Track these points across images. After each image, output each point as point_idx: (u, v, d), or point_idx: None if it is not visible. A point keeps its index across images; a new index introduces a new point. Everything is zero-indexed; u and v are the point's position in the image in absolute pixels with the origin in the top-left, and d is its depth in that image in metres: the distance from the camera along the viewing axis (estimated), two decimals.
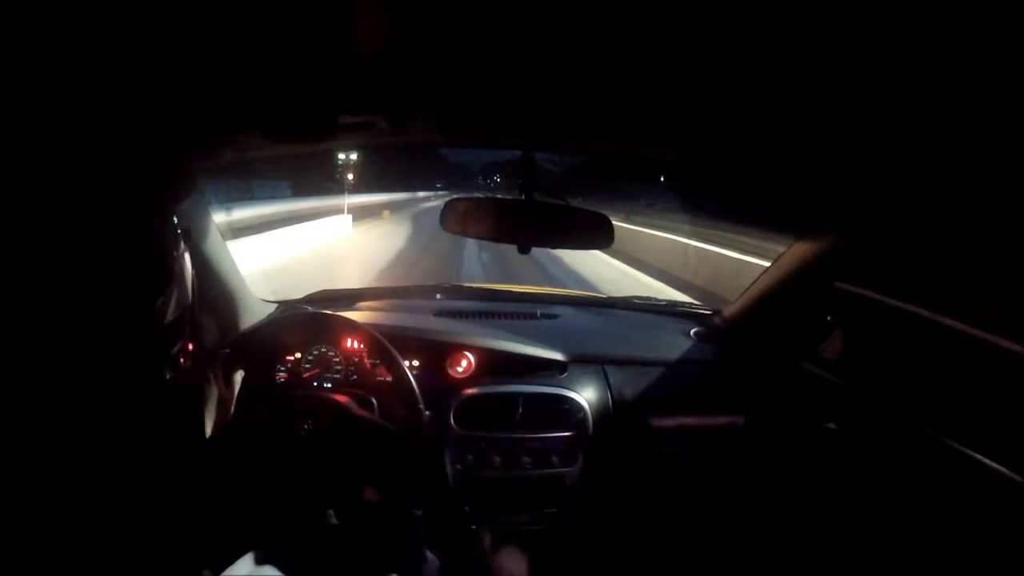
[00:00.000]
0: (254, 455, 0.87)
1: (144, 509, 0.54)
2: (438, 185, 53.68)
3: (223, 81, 0.57)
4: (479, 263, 7.58)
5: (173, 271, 0.51)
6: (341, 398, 0.90)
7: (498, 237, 0.90)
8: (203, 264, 0.96)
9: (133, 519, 0.52)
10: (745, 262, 5.35)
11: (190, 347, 0.93)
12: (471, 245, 8.58)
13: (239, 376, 1.00)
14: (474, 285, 1.53)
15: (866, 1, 0.36)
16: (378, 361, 1.02)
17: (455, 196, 0.95)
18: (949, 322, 0.94)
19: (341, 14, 0.43)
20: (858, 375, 1.01)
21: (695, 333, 1.28)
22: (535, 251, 0.91)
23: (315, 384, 1.04)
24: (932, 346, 0.96)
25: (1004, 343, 0.84)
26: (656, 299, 1.49)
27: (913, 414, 0.89)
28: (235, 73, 0.55)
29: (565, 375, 1.12)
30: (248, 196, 14.64)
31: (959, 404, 0.85)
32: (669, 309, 1.45)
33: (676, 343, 1.25)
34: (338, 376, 1.05)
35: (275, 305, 1.24)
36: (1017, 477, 0.72)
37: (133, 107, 0.54)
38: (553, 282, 6.17)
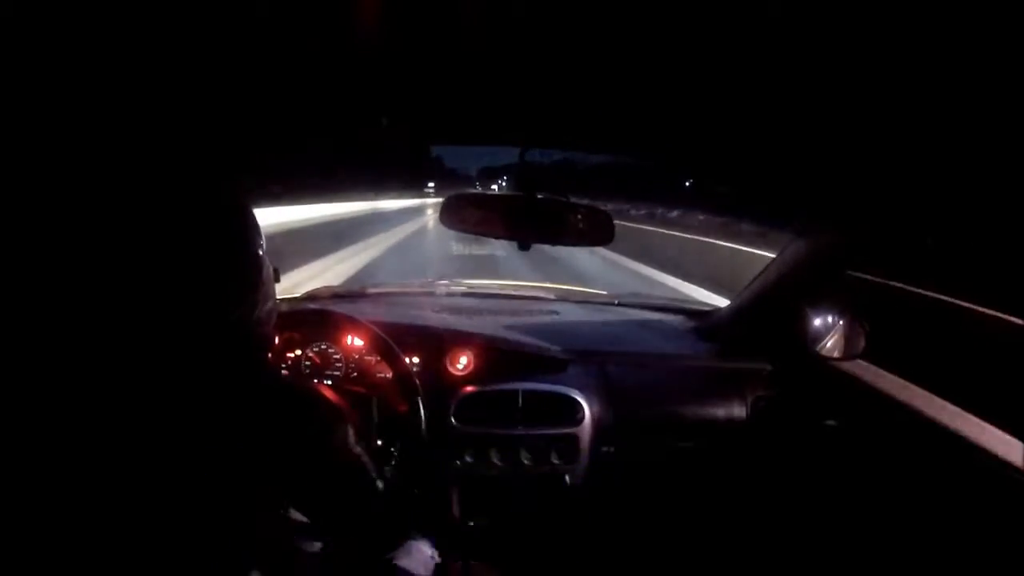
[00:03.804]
0: (254, 450, 1.02)
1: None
2: (429, 186, 50.24)
3: (223, 76, 0.66)
4: None
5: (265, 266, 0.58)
6: (341, 396, 1.06)
7: (498, 233, 1.05)
8: None
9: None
10: None
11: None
12: None
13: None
14: (474, 282, 1.72)
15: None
16: (379, 357, 1.15)
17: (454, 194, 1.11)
18: (948, 317, 1.10)
19: (338, 9, 0.51)
20: (858, 371, 1.17)
21: (695, 330, 1.45)
22: None
23: (316, 381, 1.19)
24: (932, 341, 1.12)
25: (1008, 339, 0.99)
26: (656, 296, 1.68)
27: (914, 410, 1.04)
28: (232, 67, 0.63)
29: (565, 372, 1.26)
30: None
31: (960, 400, 1.00)
32: (669, 306, 1.64)
33: (676, 340, 1.42)
34: (339, 373, 1.20)
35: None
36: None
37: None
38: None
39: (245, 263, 0.56)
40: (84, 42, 0.52)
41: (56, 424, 0.47)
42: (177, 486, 0.52)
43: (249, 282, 0.56)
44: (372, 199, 23.11)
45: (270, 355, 1.18)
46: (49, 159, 0.46)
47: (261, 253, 0.58)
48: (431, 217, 19.48)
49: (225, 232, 0.54)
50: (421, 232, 14.51)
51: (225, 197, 0.54)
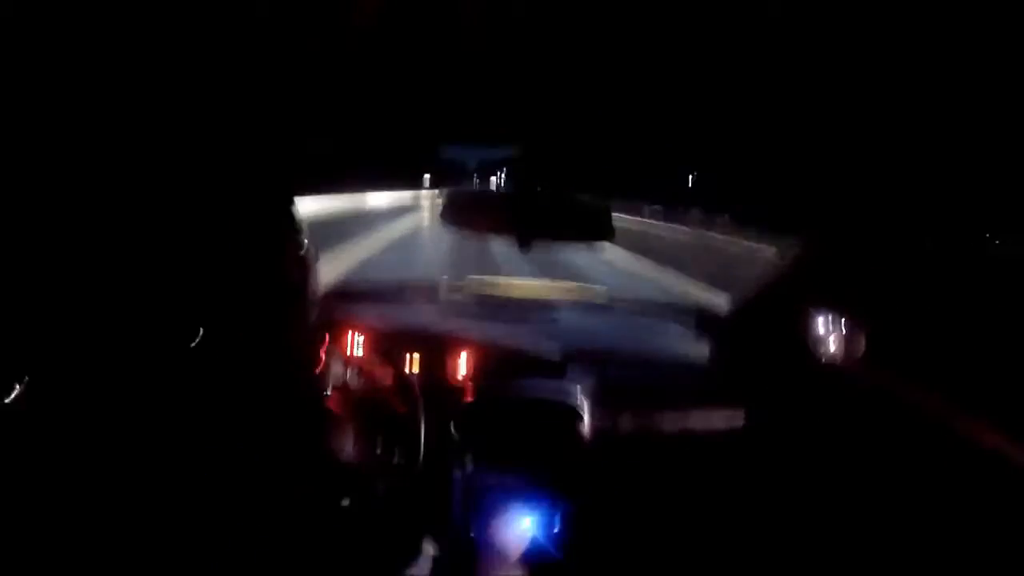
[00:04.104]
0: (255, 455, 1.03)
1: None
2: (425, 178, 50.48)
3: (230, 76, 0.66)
4: None
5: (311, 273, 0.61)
6: (341, 399, 1.07)
7: (499, 230, 1.08)
8: None
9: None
10: None
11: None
12: None
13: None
14: (474, 284, 1.74)
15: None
16: (379, 360, 1.17)
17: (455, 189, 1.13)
18: (948, 317, 1.11)
19: (338, 9, 0.54)
20: (859, 371, 1.19)
21: (696, 332, 1.47)
22: None
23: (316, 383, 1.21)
24: (932, 341, 1.13)
25: (1008, 339, 1.01)
26: (657, 299, 1.71)
27: (914, 411, 1.06)
28: (235, 68, 0.63)
29: (565, 374, 1.28)
30: None
31: (960, 401, 1.02)
32: (670, 308, 1.66)
33: (678, 342, 1.44)
34: (339, 375, 1.23)
35: None
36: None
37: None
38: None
39: (289, 265, 0.56)
40: (108, 43, 0.53)
41: (91, 420, 0.48)
42: (190, 485, 0.53)
43: (293, 285, 0.57)
44: (360, 192, 19.36)
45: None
46: (91, 164, 0.47)
47: (303, 254, 0.59)
48: (427, 210, 19.02)
49: (270, 234, 0.55)
50: (415, 233, 13.46)
51: (272, 199, 0.55)
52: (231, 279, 0.51)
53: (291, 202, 0.58)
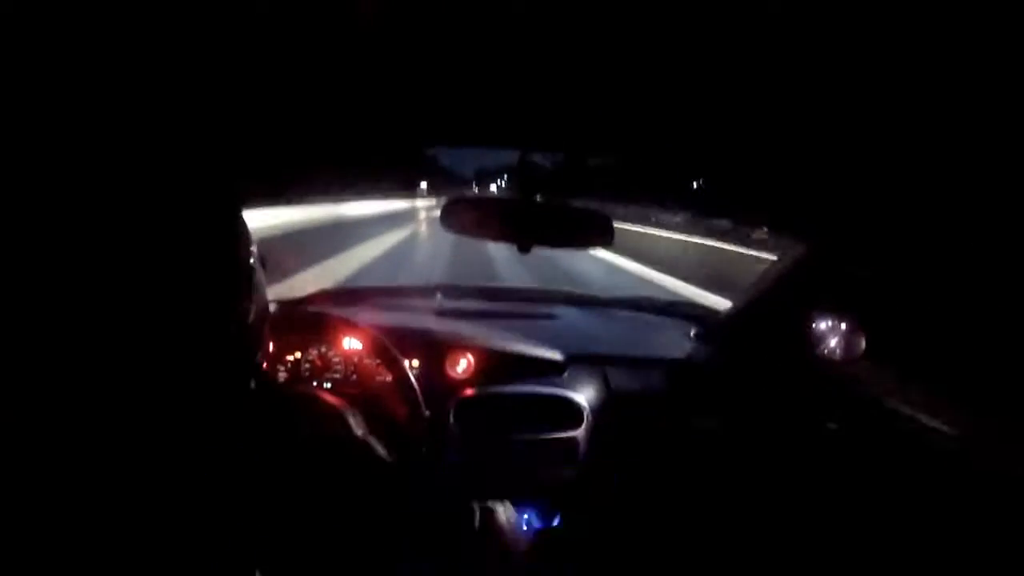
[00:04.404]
0: (253, 456, 1.04)
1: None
2: (422, 187, 47.34)
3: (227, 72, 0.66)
4: None
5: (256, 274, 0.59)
6: (340, 400, 1.08)
7: (498, 236, 1.09)
8: None
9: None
10: None
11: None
12: None
13: None
14: (473, 285, 1.76)
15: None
16: (378, 361, 1.18)
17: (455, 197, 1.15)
18: (949, 317, 1.13)
19: (333, 6, 0.52)
20: (858, 372, 1.20)
21: (696, 334, 1.49)
22: None
23: (315, 384, 1.21)
24: (933, 341, 1.15)
25: (1009, 339, 1.02)
26: (657, 299, 1.73)
27: (915, 412, 1.07)
28: (223, 68, 0.64)
29: (565, 375, 1.29)
30: None
31: (961, 402, 1.04)
32: (670, 309, 1.68)
33: (677, 343, 1.45)
34: (338, 376, 1.22)
35: (274, 305, 1.44)
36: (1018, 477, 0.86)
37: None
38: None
39: (234, 272, 0.56)
40: (78, 44, 0.53)
41: (47, 428, 0.48)
42: (173, 489, 0.54)
43: (238, 292, 0.57)
44: (352, 200, 18.43)
45: (268, 359, 1.21)
46: (41, 161, 0.47)
47: (252, 261, 0.59)
48: (424, 222, 18.82)
49: (214, 241, 0.54)
50: (409, 245, 12.35)
51: (215, 204, 0.55)
52: (160, 278, 0.51)
53: (237, 205, 0.57)
